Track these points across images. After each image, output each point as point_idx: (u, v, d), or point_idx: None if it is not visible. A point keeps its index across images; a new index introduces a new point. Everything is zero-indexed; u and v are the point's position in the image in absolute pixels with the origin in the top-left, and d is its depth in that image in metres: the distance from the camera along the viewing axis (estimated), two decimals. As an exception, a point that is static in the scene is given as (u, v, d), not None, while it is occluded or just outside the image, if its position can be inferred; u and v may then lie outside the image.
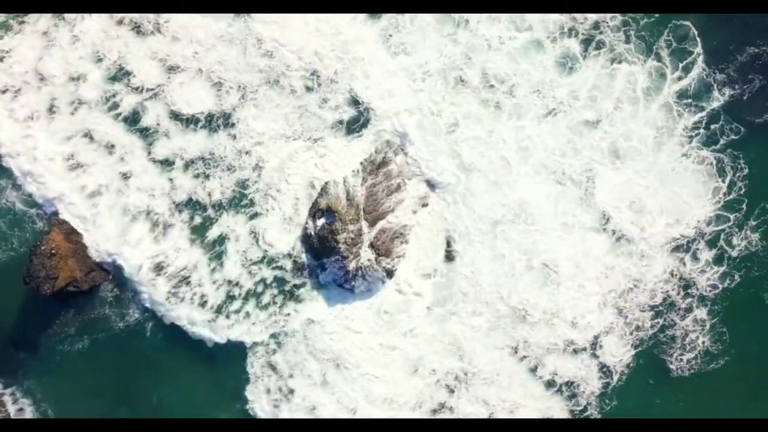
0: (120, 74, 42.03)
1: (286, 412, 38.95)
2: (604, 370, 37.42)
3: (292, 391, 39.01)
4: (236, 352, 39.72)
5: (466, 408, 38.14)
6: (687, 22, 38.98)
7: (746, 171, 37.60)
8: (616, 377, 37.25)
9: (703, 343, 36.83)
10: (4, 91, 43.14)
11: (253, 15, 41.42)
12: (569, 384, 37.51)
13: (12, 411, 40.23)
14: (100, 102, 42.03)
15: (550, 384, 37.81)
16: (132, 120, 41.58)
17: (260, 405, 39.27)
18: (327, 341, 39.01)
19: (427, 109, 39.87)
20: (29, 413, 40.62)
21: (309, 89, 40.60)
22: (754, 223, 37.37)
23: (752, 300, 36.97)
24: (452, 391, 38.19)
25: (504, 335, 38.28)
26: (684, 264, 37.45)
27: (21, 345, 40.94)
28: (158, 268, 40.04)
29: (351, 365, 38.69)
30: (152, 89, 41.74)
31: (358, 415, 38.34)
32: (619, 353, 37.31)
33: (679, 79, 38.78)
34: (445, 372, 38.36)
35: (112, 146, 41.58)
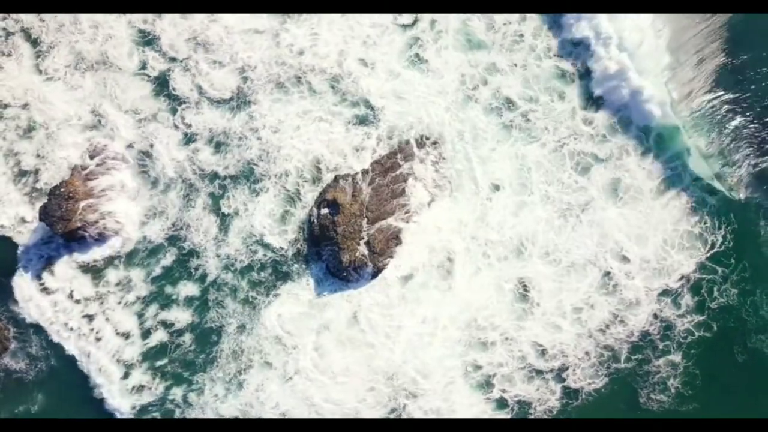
0: (150, 41, 44.68)
1: (230, 401, 39.96)
2: (568, 391, 37.54)
3: (242, 383, 40.09)
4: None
5: (416, 415, 38.41)
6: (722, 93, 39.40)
7: (735, 226, 37.77)
8: (581, 398, 37.40)
9: (673, 386, 36.86)
10: (36, 42, 45.02)
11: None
12: (522, 402, 37.79)
13: (12, 331, 42.56)
14: (130, 65, 44.47)
15: (502, 403, 38.10)
16: (159, 86, 44.04)
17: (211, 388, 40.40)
18: (295, 330, 40.12)
19: (436, 122, 41.17)
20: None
21: (328, 89, 42.49)
22: (735, 278, 37.37)
23: (724, 353, 37.02)
24: (408, 397, 38.61)
25: (462, 357, 38.71)
26: (666, 306, 37.70)
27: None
28: (175, 239, 42.21)
29: (317, 360, 39.63)
30: (182, 60, 44.10)
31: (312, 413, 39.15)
32: (587, 378, 37.47)
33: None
34: (399, 381, 38.88)
35: (138, 111, 43.90)
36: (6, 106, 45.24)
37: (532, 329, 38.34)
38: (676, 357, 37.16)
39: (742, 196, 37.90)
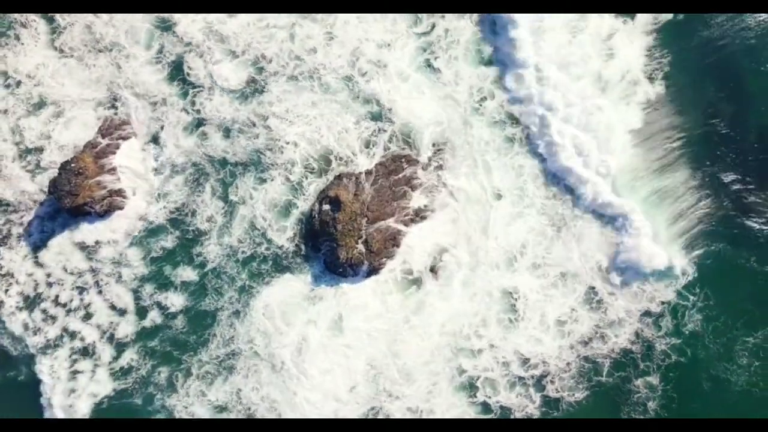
0: (167, 26, 45.87)
1: (216, 386, 40.60)
2: (548, 400, 37.83)
3: (230, 369, 40.80)
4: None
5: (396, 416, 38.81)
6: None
7: (697, 260, 38.11)
8: (561, 409, 37.61)
9: (652, 408, 36.93)
10: (53, 18, 46.42)
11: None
12: (503, 408, 38.18)
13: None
14: (145, 48, 45.71)
15: (485, 407, 38.50)
16: (173, 70, 45.16)
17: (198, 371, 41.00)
18: (287, 322, 40.68)
19: (442, 129, 41.95)
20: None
21: (339, 86, 43.50)
22: (701, 305, 37.65)
23: (696, 379, 37.15)
24: (390, 398, 39.07)
25: (449, 361, 39.17)
26: (646, 327, 37.97)
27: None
28: (179, 222, 43.12)
29: (303, 354, 40.13)
30: (197, 46, 45.12)
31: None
32: (566, 389, 37.79)
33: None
34: (382, 380, 39.40)
35: (151, 94, 44.98)
36: (19, 83, 46.19)
37: (517, 338, 38.93)
38: (655, 379, 37.48)
39: (681, 270, 38.23)
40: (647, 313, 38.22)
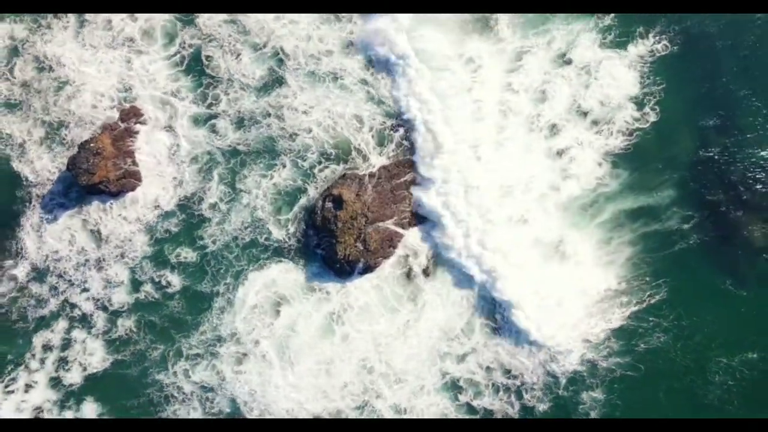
0: (188, 19, 47.04)
1: (200, 371, 41.67)
2: (525, 408, 38.72)
3: (217, 356, 41.88)
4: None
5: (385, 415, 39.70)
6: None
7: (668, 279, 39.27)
8: (536, 415, 38.39)
9: None
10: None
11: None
12: (487, 410, 39.11)
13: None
14: (167, 41, 46.99)
15: (469, 408, 39.46)
16: (192, 61, 46.48)
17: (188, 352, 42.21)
18: (280, 315, 41.72)
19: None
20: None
21: (357, 88, 44.63)
22: (665, 324, 38.53)
23: (652, 395, 38.03)
24: (377, 397, 40.06)
25: (436, 364, 40.14)
26: (589, 350, 38.92)
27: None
28: (186, 208, 44.41)
29: (293, 348, 41.17)
30: (216, 38, 46.39)
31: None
32: (535, 399, 38.69)
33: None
34: (370, 379, 40.41)
35: (169, 83, 46.44)
36: (51, 67, 47.67)
37: (499, 349, 39.92)
38: (599, 394, 38.36)
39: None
40: (588, 339, 39.17)
